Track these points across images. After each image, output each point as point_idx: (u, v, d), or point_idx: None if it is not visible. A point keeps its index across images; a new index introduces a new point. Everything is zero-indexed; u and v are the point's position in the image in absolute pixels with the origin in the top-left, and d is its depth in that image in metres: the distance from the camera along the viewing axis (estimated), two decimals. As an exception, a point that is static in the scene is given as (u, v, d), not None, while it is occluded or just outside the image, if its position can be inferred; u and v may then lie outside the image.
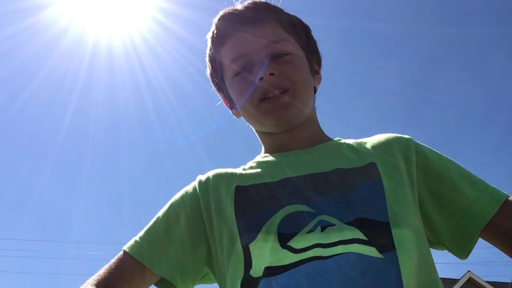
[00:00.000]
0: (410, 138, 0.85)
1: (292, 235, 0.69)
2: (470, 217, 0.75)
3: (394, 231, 0.67)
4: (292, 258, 0.66)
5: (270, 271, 0.66)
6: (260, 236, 0.70)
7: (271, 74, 0.81)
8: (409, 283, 0.62)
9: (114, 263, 0.79)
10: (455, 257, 0.78)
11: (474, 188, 0.78)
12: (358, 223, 0.68)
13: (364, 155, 0.81)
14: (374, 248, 0.65)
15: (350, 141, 0.88)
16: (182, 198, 0.85)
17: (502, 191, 0.78)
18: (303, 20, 0.94)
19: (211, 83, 0.97)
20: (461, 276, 14.44)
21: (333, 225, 0.68)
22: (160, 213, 0.85)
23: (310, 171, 0.79)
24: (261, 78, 0.81)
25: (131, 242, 0.82)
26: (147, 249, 0.79)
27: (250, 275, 0.68)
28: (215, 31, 0.90)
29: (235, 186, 0.80)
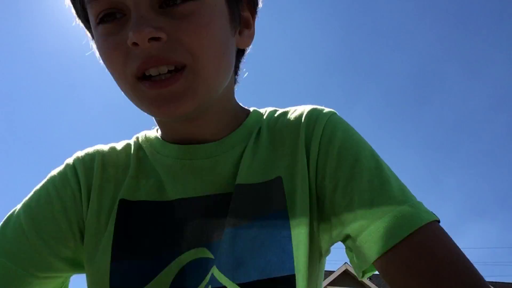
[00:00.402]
0: (325, 120, 0.60)
1: None
2: (362, 249, 0.52)
3: (297, 284, 0.54)
4: None
5: None
6: None
7: (152, 39, 0.48)
8: None
9: None
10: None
11: (375, 207, 0.52)
12: (255, 286, 0.53)
13: (271, 161, 0.60)
14: None
15: (265, 120, 0.65)
16: (49, 192, 0.60)
17: (416, 217, 0.50)
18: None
19: (75, 14, 0.59)
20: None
21: (224, 287, 0.53)
22: (14, 219, 0.59)
23: (209, 189, 0.59)
24: (136, 44, 0.48)
25: None
26: None
27: None
28: None
29: (119, 201, 0.59)
